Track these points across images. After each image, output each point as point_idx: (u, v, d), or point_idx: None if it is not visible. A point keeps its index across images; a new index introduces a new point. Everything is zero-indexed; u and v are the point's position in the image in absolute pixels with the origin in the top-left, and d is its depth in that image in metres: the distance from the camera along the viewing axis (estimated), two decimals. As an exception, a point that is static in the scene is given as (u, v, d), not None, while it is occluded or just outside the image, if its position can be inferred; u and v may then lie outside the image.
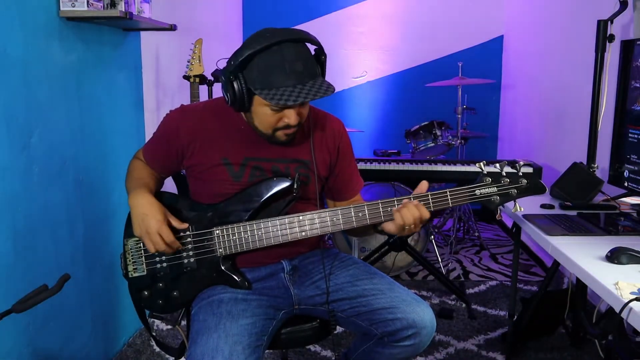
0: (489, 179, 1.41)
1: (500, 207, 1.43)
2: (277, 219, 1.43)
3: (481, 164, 1.42)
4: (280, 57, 1.31)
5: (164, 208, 1.44)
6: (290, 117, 1.38)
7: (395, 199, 1.41)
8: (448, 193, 1.40)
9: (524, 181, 1.41)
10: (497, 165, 1.42)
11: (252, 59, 1.33)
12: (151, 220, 1.39)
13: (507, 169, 1.43)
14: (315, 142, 1.53)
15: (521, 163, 1.43)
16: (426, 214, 1.38)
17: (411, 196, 1.40)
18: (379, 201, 1.41)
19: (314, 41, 1.39)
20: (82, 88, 1.98)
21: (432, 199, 1.40)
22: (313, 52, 1.40)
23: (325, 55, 1.41)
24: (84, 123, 1.99)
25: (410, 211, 1.36)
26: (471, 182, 1.42)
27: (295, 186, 1.44)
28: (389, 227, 1.42)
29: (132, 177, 1.55)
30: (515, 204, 1.42)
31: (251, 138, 1.49)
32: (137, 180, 1.52)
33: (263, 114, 1.39)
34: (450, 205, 1.40)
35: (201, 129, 1.49)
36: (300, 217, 1.43)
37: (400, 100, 4.47)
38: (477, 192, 1.41)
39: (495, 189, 1.41)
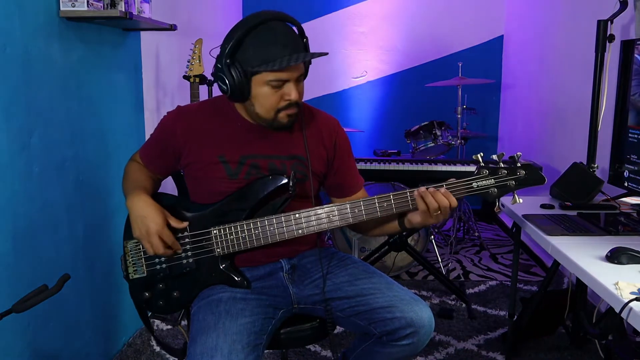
0: (486, 171, 1.40)
1: (501, 204, 1.42)
2: (273, 217, 1.43)
3: (479, 155, 1.41)
4: (272, 32, 1.36)
5: (162, 209, 1.44)
6: (291, 91, 1.39)
7: (391, 194, 1.41)
8: (445, 186, 1.40)
9: (522, 172, 1.40)
10: (495, 156, 1.41)
11: (243, 42, 1.36)
12: (150, 223, 1.40)
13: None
14: (310, 139, 1.53)
15: (519, 154, 1.42)
16: (454, 202, 1.38)
17: (407, 191, 1.40)
18: (375, 197, 1.41)
19: (295, 21, 1.43)
20: (82, 88, 1.98)
21: (429, 192, 1.40)
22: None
23: (306, 37, 1.46)
24: (84, 123, 1.99)
25: (437, 198, 1.36)
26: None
27: (291, 184, 1.44)
28: (415, 218, 1.43)
29: (129, 180, 1.55)
30: (514, 195, 1.41)
31: (248, 135, 1.49)
32: (134, 182, 1.52)
33: (264, 95, 1.40)
34: None
35: (197, 128, 1.49)
36: (297, 215, 1.43)
37: (400, 100, 4.48)
38: (475, 184, 1.40)
39: (492, 181, 1.40)
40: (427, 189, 1.39)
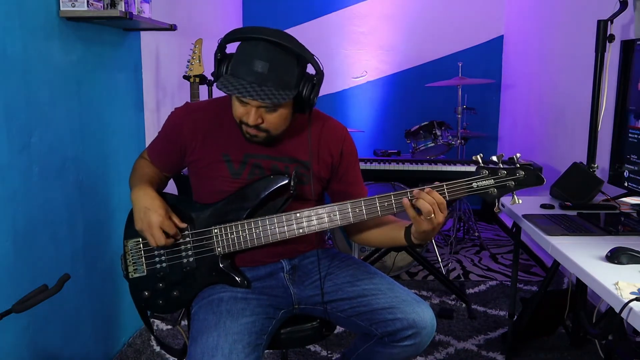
0: (485, 172, 1.40)
1: (501, 204, 1.42)
2: (274, 217, 1.44)
3: (478, 156, 1.41)
4: (252, 52, 1.33)
5: (165, 203, 1.45)
6: (249, 114, 1.37)
7: (392, 193, 1.40)
8: (445, 186, 1.39)
9: (521, 173, 1.40)
10: (495, 157, 1.41)
11: (238, 45, 1.37)
12: (153, 214, 1.40)
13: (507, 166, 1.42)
14: (317, 145, 1.53)
15: (518, 155, 1.42)
16: (440, 199, 1.36)
17: (408, 191, 1.40)
18: (376, 196, 1.41)
19: (304, 55, 1.34)
20: (82, 88, 1.98)
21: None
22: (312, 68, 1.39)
23: (319, 73, 1.38)
24: (84, 123, 1.99)
25: (426, 199, 1.34)
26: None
27: (292, 184, 1.44)
28: (412, 228, 1.41)
29: (135, 175, 1.57)
30: (513, 196, 1.41)
31: None
32: (141, 177, 1.53)
33: (233, 101, 1.41)
34: (448, 198, 1.38)
35: (204, 126, 1.50)
36: (298, 214, 1.43)
37: (400, 100, 4.48)
38: (474, 184, 1.40)
39: (492, 181, 1.40)
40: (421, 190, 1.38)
